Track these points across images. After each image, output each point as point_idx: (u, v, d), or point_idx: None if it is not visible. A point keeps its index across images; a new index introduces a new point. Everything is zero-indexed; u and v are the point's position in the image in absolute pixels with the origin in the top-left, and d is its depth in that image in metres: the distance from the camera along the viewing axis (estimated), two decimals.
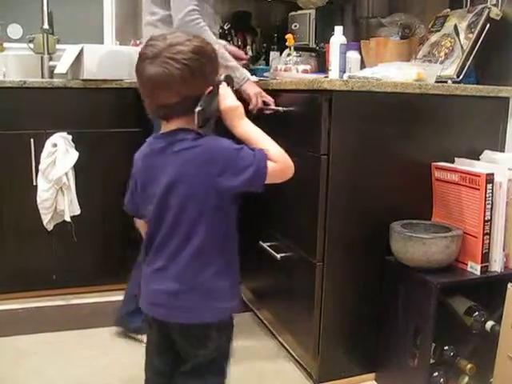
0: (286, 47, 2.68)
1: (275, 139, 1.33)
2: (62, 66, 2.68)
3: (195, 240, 1.27)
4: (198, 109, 1.26)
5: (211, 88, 1.29)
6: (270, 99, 2.18)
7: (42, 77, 3.09)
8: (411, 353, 1.84)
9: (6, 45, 3.19)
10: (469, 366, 1.83)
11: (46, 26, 3.01)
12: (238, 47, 3.24)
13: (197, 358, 1.37)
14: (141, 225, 1.47)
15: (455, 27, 2.21)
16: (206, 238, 1.27)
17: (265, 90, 2.20)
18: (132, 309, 2.29)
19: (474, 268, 1.83)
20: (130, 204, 1.46)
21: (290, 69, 2.53)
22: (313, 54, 2.91)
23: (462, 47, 2.14)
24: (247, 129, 1.33)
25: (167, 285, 1.29)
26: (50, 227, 2.58)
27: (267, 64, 3.22)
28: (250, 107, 2.13)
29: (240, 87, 2.14)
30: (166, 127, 1.32)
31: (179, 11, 2.09)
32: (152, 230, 1.33)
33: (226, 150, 1.26)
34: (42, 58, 3.09)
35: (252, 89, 2.16)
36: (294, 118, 2.04)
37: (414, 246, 1.78)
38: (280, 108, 2.11)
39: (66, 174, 2.50)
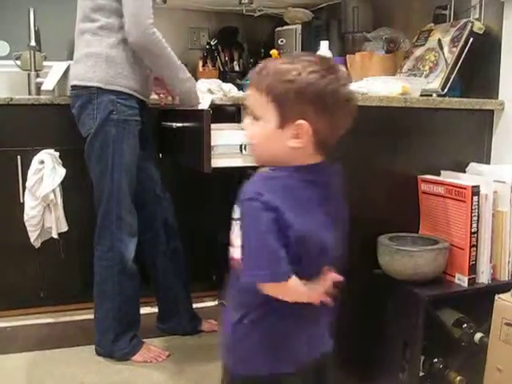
0: None
1: None
2: (49, 82, 2.69)
3: None
4: None
5: None
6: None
7: (29, 94, 3.08)
8: (400, 366, 1.84)
9: None
10: (458, 378, 1.83)
11: (32, 43, 3.01)
12: (225, 62, 3.27)
13: None
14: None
15: (439, 41, 2.23)
16: None
17: None
18: (110, 339, 2.28)
19: (462, 280, 1.84)
20: None
21: None
22: None
23: (446, 61, 2.16)
24: None
25: None
26: (37, 244, 2.56)
27: None
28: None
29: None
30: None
31: (139, 24, 2.00)
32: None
33: None
34: (28, 74, 3.09)
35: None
36: None
37: (402, 258, 1.79)
38: None
39: (54, 190, 2.49)
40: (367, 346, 1.99)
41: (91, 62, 2.10)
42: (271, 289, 1.10)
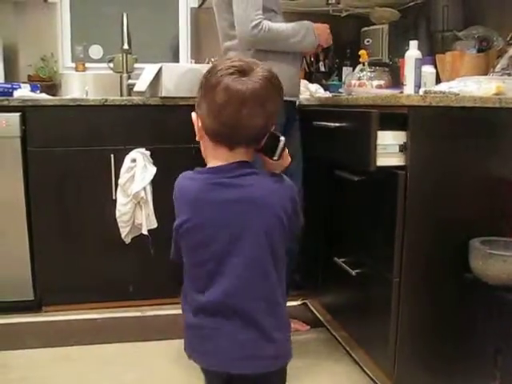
0: (359, 63, 2.68)
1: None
2: (142, 84, 2.78)
3: None
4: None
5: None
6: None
7: (121, 95, 3.21)
8: (492, 374, 1.79)
9: (87, 65, 3.34)
10: None
11: (125, 46, 3.13)
12: (311, 63, 3.28)
13: None
14: None
15: None
16: None
17: (338, 106, 2.21)
18: None
19: None
20: None
21: (365, 84, 2.53)
22: (386, 69, 2.89)
23: None
24: None
25: None
26: (127, 240, 2.65)
27: (340, 80, 3.23)
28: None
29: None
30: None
31: (243, 26, 2.12)
32: None
33: None
34: (120, 76, 3.22)
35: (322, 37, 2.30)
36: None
37: (495, 263, 1.74)
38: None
39: (144, 188, 2.57)
40: (457, 351, 1.95)
41: None
42: None
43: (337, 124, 2.06)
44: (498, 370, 1.77)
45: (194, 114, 1.27)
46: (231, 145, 1.23)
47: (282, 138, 1.26)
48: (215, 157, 1.25)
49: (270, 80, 1.20)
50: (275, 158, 1.26)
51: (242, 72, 1.18)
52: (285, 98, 2.22)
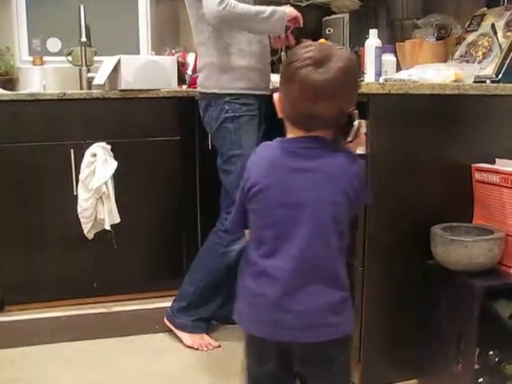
0: None
1: None
2: (100, 77, 2.73)
3: None
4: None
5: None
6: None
7: (81, 88, 3.15)
8: (455, 358, 1.81)
9: (45, 58, 3.27)
10: None
11: (83, 38, 3.07)
12: (273, 53, 3.25)
13: None
14: None
15: (492, 26, 2.17)
16: None
17: None
18: (182, 306, 2.37)
19: None
20: None
21: None
22: None
23: (500, 46, 2.10)
24: None
25: None
26: (90, 236, 2.62)
27: None
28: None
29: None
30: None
31: (210, 9, 2.09)
32: None
33: None
34: (80, 70, 3.16)
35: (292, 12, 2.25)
36: None
37: (456, 249, 1.75)
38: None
39: (106, 183, 2.54)
40: (421, 338, 1.96)
41: (206, 72, 2.29)
42: None
43: None
44: (461, 355, 1.79)
45: (275, 95, 1.32)
46: (307, 129, 1.29)
47: (356, 122, 1.30)
48: (294, 133, 1.31)
49: (344, 71, 1.23)
50: (349, 139, 1.31)
51: (318, 63, 1.21)
52: (254, 92, 2.26)
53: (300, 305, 1.25)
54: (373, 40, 2.29)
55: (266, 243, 1.29)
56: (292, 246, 1.25)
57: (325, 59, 1.21)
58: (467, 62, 2.22)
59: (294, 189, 1.27)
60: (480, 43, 2.21)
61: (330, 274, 1.28)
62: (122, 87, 2.60)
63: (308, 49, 1.24)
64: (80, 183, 2.56)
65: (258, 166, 1.33)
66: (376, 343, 1.96)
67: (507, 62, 2.07)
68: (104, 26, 3.30)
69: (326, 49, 1.25)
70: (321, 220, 1.26)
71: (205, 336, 2.39)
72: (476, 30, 2.26)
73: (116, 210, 2.59)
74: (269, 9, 2.17)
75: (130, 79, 2.59)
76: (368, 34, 2.33)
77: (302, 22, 2.28)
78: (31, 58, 3.27)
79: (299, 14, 2.26)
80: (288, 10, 2.21)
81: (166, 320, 2.44)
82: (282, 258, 1.26)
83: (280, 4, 2.32)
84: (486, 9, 2.29)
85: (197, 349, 2.34)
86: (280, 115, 1.33)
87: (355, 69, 1.31)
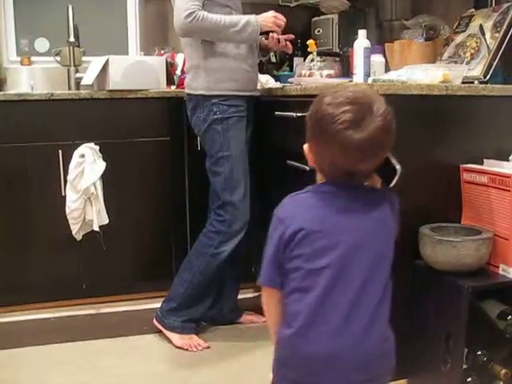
0: (310, 53, 2.68)
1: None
2: (88, 77, 2.72)
3: None
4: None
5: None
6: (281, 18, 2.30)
7: (69, 89, 3.14)
8: (443, 358, 1.81)
9: (33, 58, 3.25)
10: (503, 371, 1.79)
11: (71, 39, 3.06)
12: (262, 55, 3.26)
13: None
14: None
15: (480, 27, 2.18)
16: None
17: (289, 96, 2.20)
18: (172, 307, 2.37)
19: (506, 271, 1.80)
20: None
21: (314, 74, 2.53)
22: (336, 59, 2.90)
23: (488, 47, 2.11)
24: None
25: None
26: (79, 237, 2.61)
27: (291, 70, 3.23)
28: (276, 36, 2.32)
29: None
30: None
31: (177, 18, 2.12)
32: None
33: None
34: (68, 70, 3.14)
35: (267, 23, 2.26)
36: None
37: (444, 249, 1.76)
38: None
39: (94, 184, 2.53)
40: (409, 338, 1.97)
41: (192, 73, 2.30)
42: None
43: (285, 113, 2.06)
44: (450, 355, 1.79)
45: (306, 146, 1.27)
46: (346, 181, 1.25)
47: (398, 167, 1.30)
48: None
49: (383, 129, 1.19)
50: (391, 185, 1.32)
51: (357, 123, 1.16)
52: (242, 93, 2.26)
53: None
54: (361, 41, 2.29)
55: (314, 289, 1.22)
56: (347, 289, 1.27)
57: (363, 116, 1.16)
58: (455, 62, 2.23)
59: (346, 231, 1.23)
60: (468, 44, 2.22)
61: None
62: (111, 87, 2.59)
63: (344, 108, 1.16)
64: (68, 184, 2.56)
65: (297, 211, 1.25)
66: None
67: (495, 62, 2.08)
68: (92, 26, 3.28)
69: (362, 105, 1.18)
70: (373, 261, 1.30)
71: (194, 337, 2.38)
72: (464, 31, 2.27)
73: (105, 211, 2.59)
74: (242, 21, 2.18)
75: (118, 79, 2.59)
76: (357, 34, 2.33)
77: (282, 23, 2.31)
78: (19, 59, 3.24)
79: (277, 19, 2.28)
80: (262, 23, 2.22)
81: (155, 321, 2.43)
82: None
83: (268, 7, 2.34)
84: (474, 10, 2.30)
85: (186, 349, 2.34)
86: (311, 165, 1.30)
87: (392, 122, 1.24)
